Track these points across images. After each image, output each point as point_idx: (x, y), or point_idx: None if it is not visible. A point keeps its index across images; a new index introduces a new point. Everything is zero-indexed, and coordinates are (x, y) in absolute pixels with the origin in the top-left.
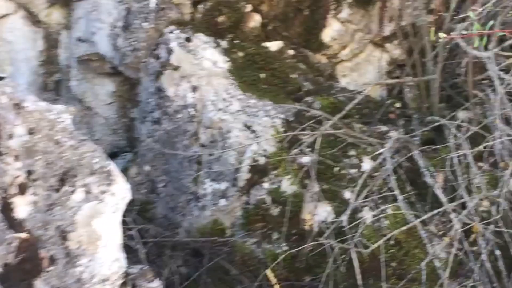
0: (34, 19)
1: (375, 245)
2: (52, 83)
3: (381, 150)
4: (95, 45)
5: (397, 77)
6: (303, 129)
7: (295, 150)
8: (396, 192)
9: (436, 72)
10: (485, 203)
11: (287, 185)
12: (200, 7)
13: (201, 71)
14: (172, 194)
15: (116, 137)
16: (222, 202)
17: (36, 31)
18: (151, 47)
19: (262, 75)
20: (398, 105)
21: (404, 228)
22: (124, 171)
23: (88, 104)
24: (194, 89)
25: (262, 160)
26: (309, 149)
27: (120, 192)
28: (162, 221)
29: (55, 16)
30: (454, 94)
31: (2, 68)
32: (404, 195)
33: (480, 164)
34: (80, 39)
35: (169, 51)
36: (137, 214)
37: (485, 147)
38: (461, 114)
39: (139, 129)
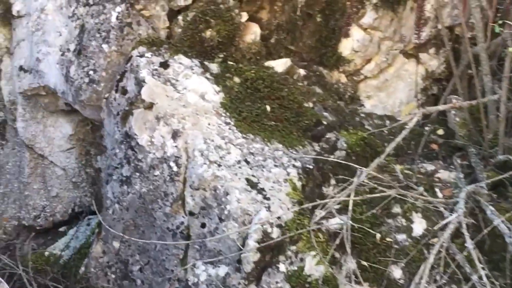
0: None
1: None
2: None
3: (449, 219)
4: (42, 75)
5: (435, 95)
6: (327, 181)
7: (320, 214)
8: (467, 268)
9: (502, 89)
10: None
11: (313, 265)
12: (180, 19)
13: (184, 108)
14: (151, 282)
15: (78, 193)
16: None
17: None
18: (115, 78)
19: (268, 107)
20: (440, 132)
21: None
22: (86, 247)
23: (40, 151)
24: (176, 134)
25: (275, 232)
26: (339, 209)
27: None
28: None
29: None
30: None
31: None
32: (478, 275)
33: None
34: (22, 69)
35: (139, 83)
36: None
37: None
38: None
39: (104, 191)
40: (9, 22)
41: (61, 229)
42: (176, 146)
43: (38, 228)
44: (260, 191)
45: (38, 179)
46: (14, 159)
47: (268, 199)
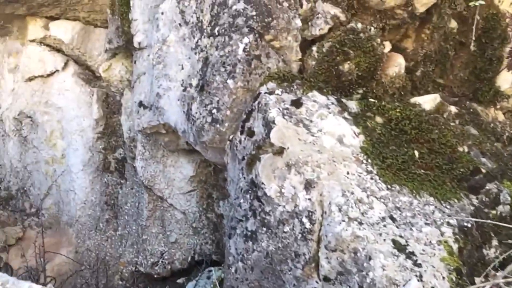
0: (88, 76)
1: None
2: (114, 162)
3: None
4: (162, 112)
5: None
6: (487, 242)
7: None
8: None
9: None
10: None
11: None
12: (314, 50)
13: (319, 154)
14: None
15: (199, 239)
16: None
17: (91, 92)
18: (240, 117)
19: (416, 152)
20: None
21: None
22: None
23: (159, 193)
24: (309, 185)
25: None
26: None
27: None
28: None
29: (117, 70)
30: None
31: (52, 143)
32: None
33: None
34: (142, 104)
35: (268, 123)
36: None
37: None
38: None
39: (226, 246)
40: (131, 54)
41: (179, 280)
42: (309, 199)
43: (155, 276)
44: (410, 255)
45: (156, 222)
46: (133, 200)
47: (419, 265)
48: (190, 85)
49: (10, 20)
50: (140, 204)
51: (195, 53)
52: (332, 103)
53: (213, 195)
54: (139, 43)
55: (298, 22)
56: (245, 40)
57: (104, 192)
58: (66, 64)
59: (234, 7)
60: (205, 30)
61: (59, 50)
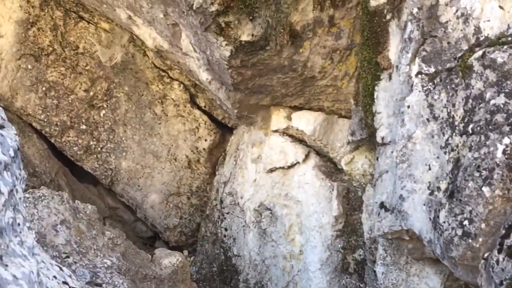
0: (329, 169)
1: None
2: (353, 263)
3: None
4: (406, 217)
5: None
6: None
7: None
8: None
9: None
10: None
11: None
12: None
13: None
14: None
15: None
16: None
17: (331, 186)
18: (498, 233)
19: None
20: None
21: None
22: None
23: None
24: None
25: None
26: None
27: None
28: None
29: (359, 163)
30: None
31: (290, 238)
32: None
33: None
34: (384, 206)
35: None
36: None
37: None
38: None
39: None
40: (374, 147)
41: None
42: None
43: None
44: None
45: None
46: None
47: None
48: (438, 188)
49: (255, 110)
50: None
51: (445, 153)
52: None
53: None
54: (382, 138)
55: None
56: (505, 140)
57: None
58: (307, 156)
59: (492, 102)
60: (457, 127)
61: (301, 141)
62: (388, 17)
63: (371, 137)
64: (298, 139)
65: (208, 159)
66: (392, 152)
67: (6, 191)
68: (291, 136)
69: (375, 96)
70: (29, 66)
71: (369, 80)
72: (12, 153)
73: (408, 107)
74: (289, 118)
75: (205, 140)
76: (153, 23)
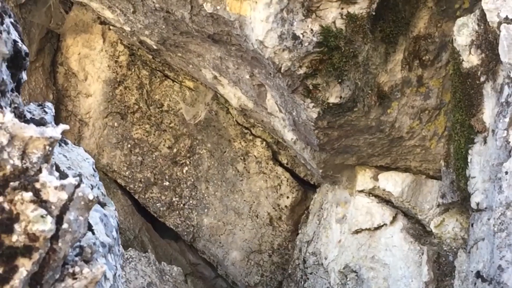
0: (418, 231)
1: None
2: None
3: None
4: None
5: None
6: None
7: None
8: None
9: None
10: None
11: None
12: None
13: None
14: None
15: None
16: None
17: (420, 250)
18: None
19: None
20: None
21: None
22: None
23: None
24: None
25: None
26: None
27: None
28: None
29: (450, 227)
30: None
31: None
32: None
33: None
34: (480, 276)
35: None
36: None
37: None
38: None
39: None
40: (466, 209)
41: None
42: None
43: None
44: None
45: None
46: None
47: None
48: None
49: (340, 170)
50: None
51: None
52: None
53: None
54: (478, 204)
55: None
56: None
57: None
58: (394, 218)
59: None
60: None
61: (387, 202)
62: (482, 79)
63: (463, 201)
64: (385, 200)
65: (290, 217)
66: (488, 219)
67: (111, 275)
68: (377, 196)
69: (468, 160)
70: (115, 124)
71: (462, 143)
72: (115, 234)
73: (506, 173)
74: (375, 178)
75: (287, 197)
76: (238, 83)
